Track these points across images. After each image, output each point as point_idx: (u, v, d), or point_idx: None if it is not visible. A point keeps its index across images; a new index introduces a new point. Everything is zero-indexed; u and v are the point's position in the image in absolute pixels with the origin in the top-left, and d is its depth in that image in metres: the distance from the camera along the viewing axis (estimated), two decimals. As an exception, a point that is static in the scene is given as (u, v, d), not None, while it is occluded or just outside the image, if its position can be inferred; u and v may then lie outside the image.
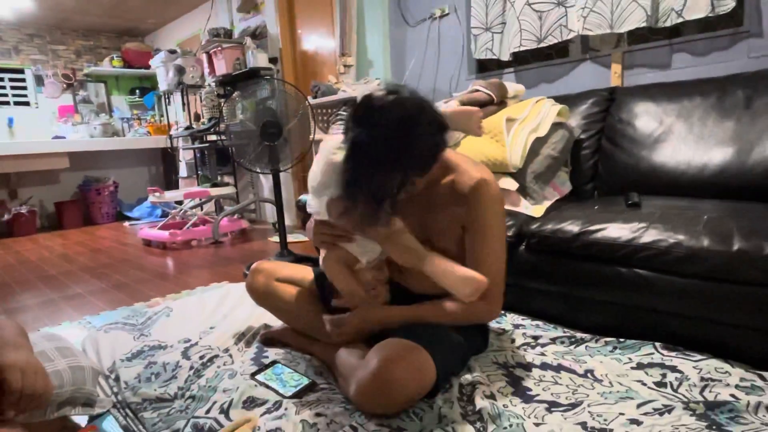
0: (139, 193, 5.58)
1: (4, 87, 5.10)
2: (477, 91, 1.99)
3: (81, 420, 1.17)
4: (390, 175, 0.98)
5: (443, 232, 1.17)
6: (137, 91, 5.86)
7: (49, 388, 0.87)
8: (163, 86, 4.46)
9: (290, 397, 1.14)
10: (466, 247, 1.16)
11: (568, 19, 2.29)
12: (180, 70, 4.24)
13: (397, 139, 0.96)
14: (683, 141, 1.74)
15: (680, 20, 1.96)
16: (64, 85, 5.41)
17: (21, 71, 5.20)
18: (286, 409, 1.09)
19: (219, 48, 3.85)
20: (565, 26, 2.31)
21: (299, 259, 2.50)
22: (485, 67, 2.85)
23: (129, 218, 5.23)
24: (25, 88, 5.22)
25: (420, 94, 1.03)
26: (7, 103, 5.09)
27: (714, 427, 0.95)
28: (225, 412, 1.10)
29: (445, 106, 1.92)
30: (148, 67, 5.01)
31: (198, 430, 1.05)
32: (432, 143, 1.02)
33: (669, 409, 1.01)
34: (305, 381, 1.21)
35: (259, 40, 4.00)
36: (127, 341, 1.60)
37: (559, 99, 2.01)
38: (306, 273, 1.41)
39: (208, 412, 1.10)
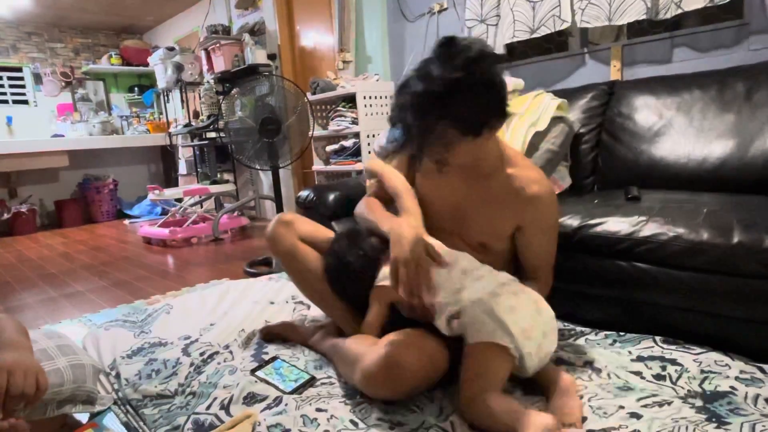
0: (138, 191, 5.58)
1: (2, 85, 5.09)
2: (476, 85, 1.98)
3: (82, 417, 1.17)
4: (435, 111, 0.95)
5: (493, 227, 1.18)
6: (136, 88, 5.86)
7: (41, 387, 0.87)
8: (161, 84, 4.46)
9: (290, 393, 1.15)
10: (524, 242, 1.19)
11: (561, 9, 2.28)
12: (178, 68, 4.24)
13: (473, 70, 0.94)
14: (683, 134, 1.74)
15: (680, 11, 1.96)
16: (63, 84, 5.40)
17: (19, 69, 5.20)
18: (286, 404, 1.09)
19: (217, 45, 3.85)
20: (558, 17, 2.30)
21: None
22: (484, 62, 2.84)
23: (129, 216, 5.24)
24: (23, 86, 5.22)
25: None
26: (6, 101, 5.09)
27: (714, 419, 0.95)
28: (225, 408, 1.10)
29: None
30: (146, 64, 5.01)
31: (198, 426, 1.05)
32: (487, 99, 0.98)
33: (669, 402, 1.01)
34: (305, 376, 1.22)
35: (258, 37, 3.99)
36: (128, 338, 1.60)
37: (558, 93, 2.01)
38: (327, 234, 1.35)
39: (208, 408, 1.11)
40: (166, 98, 5.18)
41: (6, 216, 4.54)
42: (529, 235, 1.18)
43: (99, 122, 5.19)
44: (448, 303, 1.07)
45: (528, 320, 1.03)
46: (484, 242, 1.19)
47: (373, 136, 2.75)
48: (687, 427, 0.91)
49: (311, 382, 1.20)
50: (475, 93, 0.96)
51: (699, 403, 1.01)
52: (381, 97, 2.92)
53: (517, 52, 2.58)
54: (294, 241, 1.31)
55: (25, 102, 5.23)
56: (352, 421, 1.03)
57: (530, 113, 1.81)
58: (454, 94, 0.94)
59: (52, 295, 2.38)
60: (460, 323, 1.05)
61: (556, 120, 1.88)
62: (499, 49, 2.54)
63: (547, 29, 2.33)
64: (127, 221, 4.98)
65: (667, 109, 1.82)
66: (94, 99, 5.62)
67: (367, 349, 1.06)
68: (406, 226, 1.11)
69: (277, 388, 1.17)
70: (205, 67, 4.17)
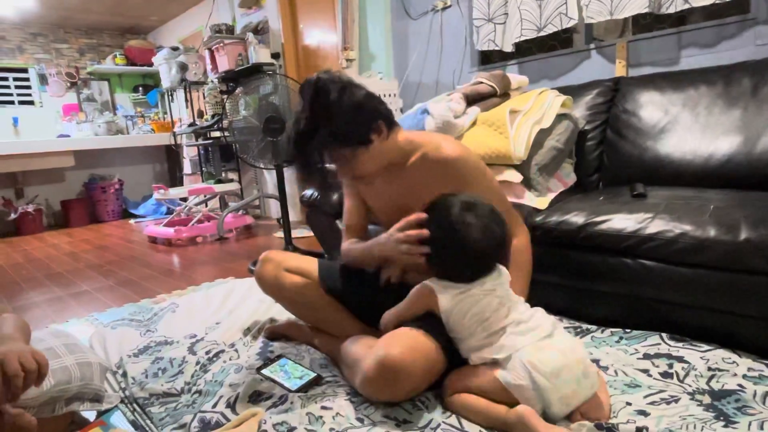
0: (144, 190, 5.61)
1: (8, 86, 5.12)
2: (480, 83, 1.98)
3: (89, 415, 1.18)
4: (309, 139, 1.12)
5: None
6: (140, 88, 5.87)
7: (41, 361, 0.87)
8: (166, 83, 4.46)
9: (296, 391, 1.15)
10: None
11: (568, 7, 2.27)
12: (183, 67, 4.24)
13: (316, 107, 1.11)
14: (689, 131, 1.73)
15: (686, 6, 1.94)
16: (68, 84, 5.42)
17: (25, 70, 5.22)
18: (291, 402, 1.10)
19: (221, 44, 3.85)
20: (564, 14, 2.29)
21: (304, 254, 2.50)
22: (488, 59, 2.84)
23: (134, 216, 5.26)
24: (29, 87, 5.25)
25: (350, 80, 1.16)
26: (12, 102, 5.12)
27: (721, 417, 0.94)
28: (231, 406, 1.10)
29: (448, 98, 1.91)
30: (150, 64, 5.01)
31: (205, 425, 1.06)
32: (351, 116, 1.12)
33: (676, 399, 1.01)
34: (311, 374, 1.22)
35: (261, 36, 3.99)
36: (134, 337, 1.61)
37: (563, 90, 2.00)
38: (314, 265, 1.41)
39: (214, 406, 1.11)
40: (170, 98, 5.19)
41: (13, 216, 4.57)
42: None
43: (104, 122, 5.20)
44: (485, 346, 1.02)
45: (572, 386, 0.94)
46: None
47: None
48: (695, 425, 0.91)
49: (317, 380, 1.20)
50: (337, 117, 1.11)
51: (707, 400, 1.00)
52: (384, 96, 2.92)
53: (522, 48, 2.57)
54: (278, 272, 1.39)
55: (31, 103, 5.25)
56: (358, 419, 1.03)
57: (535, 110, 1.80)
58: (318, 128, 1.11)
59: (58, 294, 2.39)
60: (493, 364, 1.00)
61: (560, 117, 1.87)
62: (508, 48, 2.53)
63: (554, 27, 2.32)
64: (132, 221, 5.00)
65: (673, 105, 1.80)
66: (99, 99, 5.64)
67: (366, 352, 1.07)
68: (376, 240, 1.23)
69: (282, 386, 1.18)
70: (209, 67, 4.17)
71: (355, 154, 1.15)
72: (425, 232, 1.08)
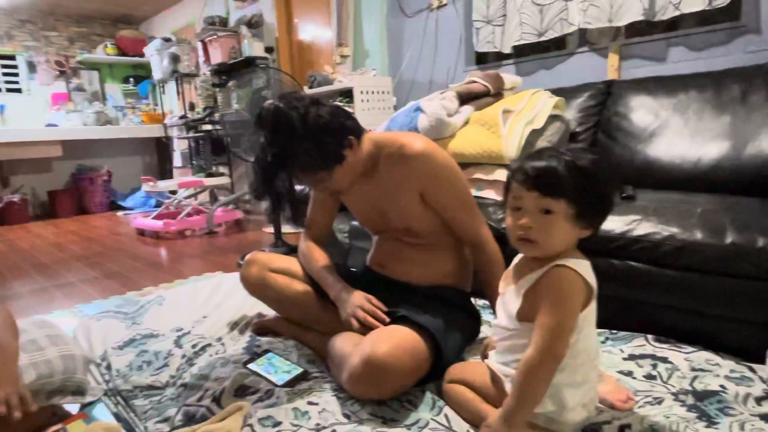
0: (132, 182, 5.54)
1: (-5, 73, 5.03)
2: (474, 82, 1.98)
3: (72, 408, 1.16)
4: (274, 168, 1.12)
5: (405, 209, 1.21)
6: (131, 79, 5.80)
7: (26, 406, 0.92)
8: (157, 75, 4.42)
9: (283, 386, 1.14)
10: (440, 208, 1.21)
11: (569, 12, 2.28)
12: (175, 59, 4.20)
13: (279, 139, 1.10)
14: (678, 135, 1.74)
15: (677, 13, 1.96)
16: (57, 73, 5.34)
17: (13, 57, 5.14)
18: (278, 397, 1.09)
19: (214, 36, 3.82)
20: (565, 20, 2.30)
21: (293, 250, 2.49)
22: (482, 59, 2.84)
23: (123, 208, 5.20)
24: (17, 74, 5.16)
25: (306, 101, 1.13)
26: (-1, 89, 5.03)
27: (704, 418, 0.95)
28: (217, 400, 1.09)
29: (442, 97, 1.91)
30: (142, 55, 4.96)
31: (189, 418, 1.04)
32: (316, 141, 1.10)
33: (659, 400, 1.02)
34: (298, 370, 1.21)
35: (255, 29, 3.96)
36: (119, 330, 1.59)
37: (555, 91, 2.00)
38: (298, 265, 1.41)
39: (199, 400, 1.10)
40: (161, 89, 5.13)
41: (-2, 205, 4.50)
42: (434, 195, 1.19)
43: (93, 112, 5.13)
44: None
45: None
46: (407, 227, 1.24)
47: (369, 130, 2.74)
48: (678, 424, 0.91)
49: (304, 375, 1.19)
50: (305, 145, 1.09)
51: (690, 401, 1.01)
52: (378, 92, 2.91)
53: (516, 49, 2.58)
54: (262, 273, 1.38)
55: (19, 90, 5.16)
56: (344, 415, 1.02)
57: (527, 111, 1.81)
58: (285, 160, 1.11)
59: (43, 285, 2.36)
60: None
61: (552, 118, 1.88)
62: (507, 50, 2.54)
63: (555, 33, 2.33)
64: (120, 213, 4.94)
65: (664, 109, 1.82)
66: (88, 89, 5.56)
67: (352, 349, 1.06)
68: (344, 294, 1.21)
69: (269, 381, 1.17)
70: (201, 59, 4.13)
71: (330, 173, 1.15)
72: (383, 321, 1.11)
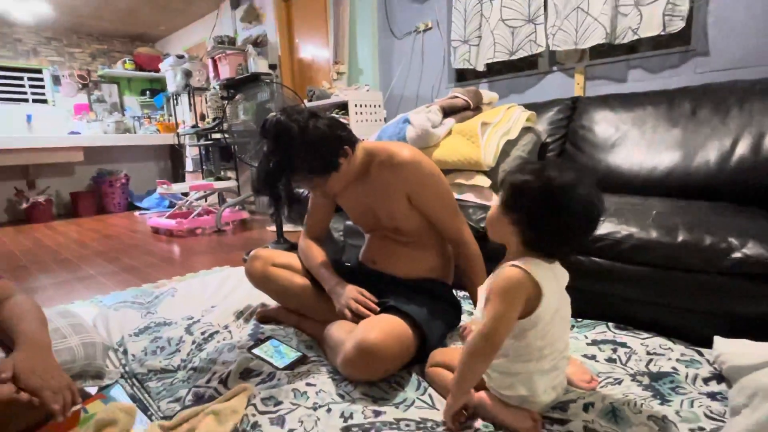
0: (148, 185, 5.48)
1: (23, 85, 4.95)
2: (456, 97, 1.98)
3: (91, 389, 1.14)
4: (274, 174, 1.11)
5: (394, 210, 1.21)
6: (147, 92, 5.74)
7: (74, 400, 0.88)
8: (171, 88, 4.37)
9: (283, 369, 1.13)
10: (426, 211, 1.21)
11: (537, 35, 2.30)
12: (187, 74, 4.16)
13: (281, 148, 1.10)
14: (636, 146, 1.76)
15: (636, 38, 1.98)
16: (80, 85, 5.27)
17: (39, 71, 5.06)
18: (279, 379, 1.08)
19: (223, 54, 3.79)
20: (534, 41, 2.32)
21: (293, 247, 2.48)
22: (463, 77, 2.85)
23: (139, 208, 5.14)
24: (42, 87, 5.08)
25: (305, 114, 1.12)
26: (26, 100, 4.96)
27: (658, 396, 0.96)
28: (223, 382, 1.08)
29: (427, 110, 1.91)
30: (158, 70, 4.91)
31: (198, 398, 1.03)
32: (315, 149, 1.10)
33: (619, 381, 1.03)
34: (297, 354, 1.20)
35: (260, 48, 3.94)
36: (135, 318, 1.57)
37: (528, 106, 2.02)
38: (298, 260, 1.41)
39: (208, 382, 1.09)
40: (175, 101, 5.08)
41: (24, 205, 4.42)
42: (420, 199, 1.20)
43: (113, 122, 5.07)
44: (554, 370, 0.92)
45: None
46: (396, 226, 1.24)
47: (363, 140, 2.74)
48: (636, 402, 0.92)
49: (303, 359, 1.18)
50: (305, 153, 1.10)
51: (646, 381, 1.02)
52: (370, 106, 2.91)
53: (494, 69, 2.60)
54: (265, 267, 1.38)
55: (45, 101, 5.09)
56: (339, 395, 1.02)
57: (503, 123, 1.82)
58: (286, 167, 1.10)
59: (65, 278, 2.32)
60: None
61: (525, 130, 1.89)
62: (480, 67, 2.55)
63: (525, 52, 2.35)
64: (137, 213, 4.88)
65: (623, 123, 1.83)
66: (108, 100, 5.49)
67: (346, 336, 1.06)
68: (338, 288, 1.21)
69: (271, 364, 1.16)
70: (211, 74, 4.10)
71: (326, 179, 1.16)
72: (374, 311, 1.11)
